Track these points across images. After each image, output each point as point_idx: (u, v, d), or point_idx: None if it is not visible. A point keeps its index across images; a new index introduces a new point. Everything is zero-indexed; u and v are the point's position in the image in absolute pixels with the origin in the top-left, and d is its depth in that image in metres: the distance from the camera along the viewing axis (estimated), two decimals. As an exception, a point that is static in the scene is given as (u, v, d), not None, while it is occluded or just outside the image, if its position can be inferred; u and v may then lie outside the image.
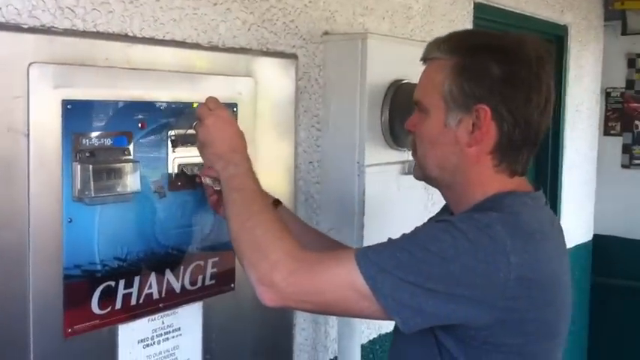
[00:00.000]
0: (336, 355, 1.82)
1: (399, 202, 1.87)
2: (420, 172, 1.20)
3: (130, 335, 1.26)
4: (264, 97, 1.52)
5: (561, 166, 3.19)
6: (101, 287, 1.19)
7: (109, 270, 1.20)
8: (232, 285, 1.46)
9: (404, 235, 1.09)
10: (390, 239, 1.10)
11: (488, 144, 1.11)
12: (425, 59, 1.18)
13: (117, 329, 1.23)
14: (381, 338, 2.02)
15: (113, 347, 1.23)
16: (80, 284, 1.16)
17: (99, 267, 1.19)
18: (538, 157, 3.17)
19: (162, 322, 1.32)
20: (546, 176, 3.18)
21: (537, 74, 1.10)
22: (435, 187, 1.22)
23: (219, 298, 1.43)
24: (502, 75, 1.08)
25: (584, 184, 3.55)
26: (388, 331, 2.05)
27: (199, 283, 1.38)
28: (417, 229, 1.12)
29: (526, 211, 1.10)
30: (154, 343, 1.30)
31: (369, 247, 1.10)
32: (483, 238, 1.03)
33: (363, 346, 1.84)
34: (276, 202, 1.37)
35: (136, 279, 1.25)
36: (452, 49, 1.13)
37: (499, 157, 1.12)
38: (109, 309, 1.21)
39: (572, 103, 3.25)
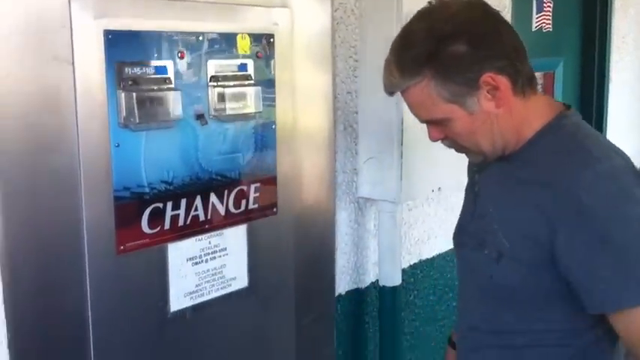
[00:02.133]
0: (377, 279, 1.89)
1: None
2: (479, 156, 1.24)
3: (179, 254, 1.34)
4: (300, 29, 1.56)
5: (607, 98, 3.15)
6: (150, 208, 1.27)
7: (156, 192, 1.28)
8: (275, 209, 1.53)
9: (619, 252, 1.10)
10: (612, 266, 1.10)
11: (508, 92, 1.16)
12: (394, 93, 1.21)
13: (166, 248, 1.32)
14: (422, 264, 2.08)
15: (164, 264, 1.32)
16: (130, 205, 1.25)
17: (147, 189, 1.27)
18: (583, 89, 3.13)
19: (209, 242, 1.40)
20: (591, 106, 3.14)
21: (484, 15, 1.16)
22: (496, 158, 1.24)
23: (263, 221, 1.51)
24: (470, 45, 1.11)
25: (630, 115, 3.49)
26: (429, 256, 2.11)
27: (243, 207, 1.45)
28: (611, 236, 1.10)
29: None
30: (202, 261, 1.39)
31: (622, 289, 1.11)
32: None
33: (403, 270, 1.90)
34: None
35: (183, 201, 1.33)
36: (414, 69, 1.14)
37: (521, 90, 1.18)
38: (158, 229, 1.29)
39: (617, 35, 3.17)
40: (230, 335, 1.47)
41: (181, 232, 1.34)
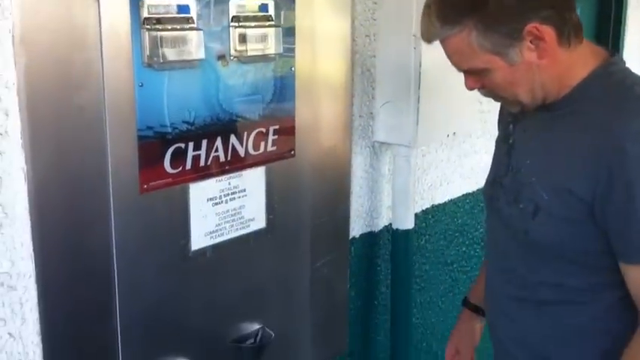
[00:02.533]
0: (391, 222, 1.91)
1: (455, 75, 1.89)
2: (517, 106, 1.21)
3: (200, 194, 1.36)
4: (320, -31, 1.54)
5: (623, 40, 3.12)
6: (172, 148, 1.29)
7: (178, 132, 1.29)
8: (292, 152, 1.54)
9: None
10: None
11: (553, 43, 1.13)
12: (432, 41, 1.18)
13: (188, 188, 1.33)
14: (434, 209, 2.11)
15: (185, 204, 1.34)
16: (153, 144, 1.26)
17: (169, 129, 1.28)
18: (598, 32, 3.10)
19: (229, 183, 1.41)
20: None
21: None
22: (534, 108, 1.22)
23: (281, 163, 1.52)
24: None
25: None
26: (441, 202, 2.13)
27: (262, 149, 1.46)
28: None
29: None
30: (221, 202, 1.40)
31: None
32: None
33: (415, 215, 1.93)
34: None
35: (204, 142, 1.34)
36: (455, 19, 1.11)
37: (567, 40, 1.15)
38: (180, 168, 1.31)
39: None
40: (247, 274, 1.50)
41: (202, 173, 1.35)
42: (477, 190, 2.30)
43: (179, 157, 1.30)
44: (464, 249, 2.31)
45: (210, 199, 1.38)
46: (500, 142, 1.36)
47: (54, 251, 1.17)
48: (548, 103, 1.19)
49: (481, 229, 2.37)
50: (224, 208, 1.41)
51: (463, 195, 2.23)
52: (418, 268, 2.06)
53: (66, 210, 1.16)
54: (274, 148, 1.49)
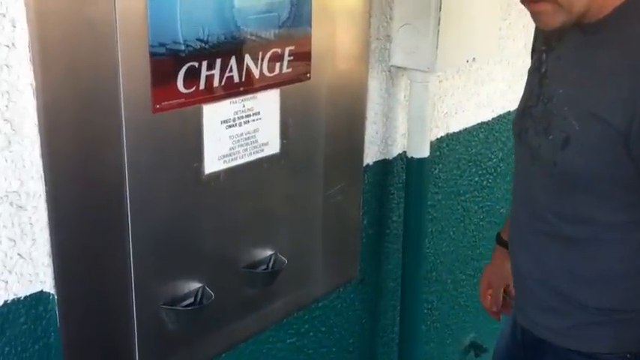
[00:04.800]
0: (405, 150, 1.87)
1: (475, -2, 1.82)
2: (557, 20, 1.12)
3: (214, 116, 1.31)
4: None
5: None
6: (185, 67, 1.23)
7: (192, 50, 1.23)
8: (308, 75, 1.48)
9: None
10: None
11: None
12: None
13: (201, 109, 1.28)
14: (448, 137, 2.06)
15: (198, 127, 1.29)
16: (166, 62, 1.20)
17: (182, 47, 1.22)
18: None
19: (243, 106, 1.36)
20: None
21: None
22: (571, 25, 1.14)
23: (296, 87, 1.46)
24: None
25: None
26: (456, 130, 2.09)
27: (277, 70, 1.41)
28: None
29: None
30: (235, 124, 1.36)
31: None
32: None
33: (431, 143, 1.88)
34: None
35: (218, 61, 1.28)
36: None
37: None
38: (193, 88, 1.26)
39: None
40: (260, 200, 1.47)
41: (216, 94, 1.30)
42: (492, 119, 2.25)
43: (192, 76, 1.25)
44: (476, 179, 2.27)
45: (224, 121, 1.34)
46: (532, 71, 1.30)
47: (64, 170, 1.13)
48: (586, 23, 1.13)
49: (495, 159, 2.34)
50: (238, 131, 1.37)
51: (478, 124, 2.18)
52: (431, 198, 2.03)
53: (77, 127, 1.12)
54: (289, 70, 1.44)
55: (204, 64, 1.26)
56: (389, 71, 1.76)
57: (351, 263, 1.80)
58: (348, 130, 1.67)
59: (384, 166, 1.84)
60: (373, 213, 1.86)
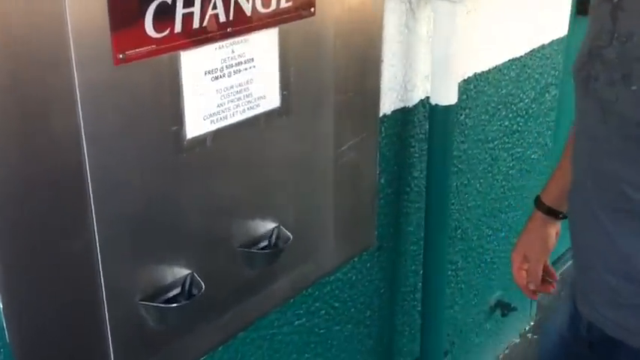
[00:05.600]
0: (428, 95, 1.60)
1: None
2: None
3: (195, 65, 1.04)
4: None
5: None
6: (155, 3, 0.96)
7: (162, -18, 0.96)
8: (312, 9, 1.21)
9: None
10: None
11: None
12: None
13: (178, 57, 1.02)
14: (476, 78, 1.78)
15: (175, 78, 1.02)
16: (128, -1, 0.93)
17: (149, -22, 0.95)
18: None
19: (232, 51, 1.10)
20: None
21: None
22: None
23: (297, 24, 1.19)
24: None
25: None
26: (484, 69, 1.81)
27: (274, 5, 1.13)
28: None
29: None
30: (223, 75, 1.09)
31: None
32: None
33: (457, 86, 1.61)
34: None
35: (197, -4, 1.01)
36: None
37: None
38: (167, 32, 0.99)
39: None
40: (257, 165, 1.22)
41: (197, 37, 1.03)
42: (525, 54, 1.96)
43: (165, 15, 0.98)
44: (506, 123, 2.00)
45: (209, 71, 1.07)
46: (600, 1, 1.01)
47: (2, 148, 0.87)
48: None
49: (527, 100, 2.06)
50: (227, 84, 1.10)
51: (509, 60, 1.90)
52: (456, 148, 1.77)
53: (14, 91, 0.86)
54: (289, 4, 1.16)
55: (180, -1, 0.99)
56: (409, 2, 1.48)
57: (367, 230, 1.56)
58: (361, 76, 1.39)
59: (403, 115, 1.58)
60: (391, 170, 1.60)
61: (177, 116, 1.04)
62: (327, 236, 1.43)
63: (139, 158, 1.01)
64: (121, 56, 0.94)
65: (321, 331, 1.53)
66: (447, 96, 1.54)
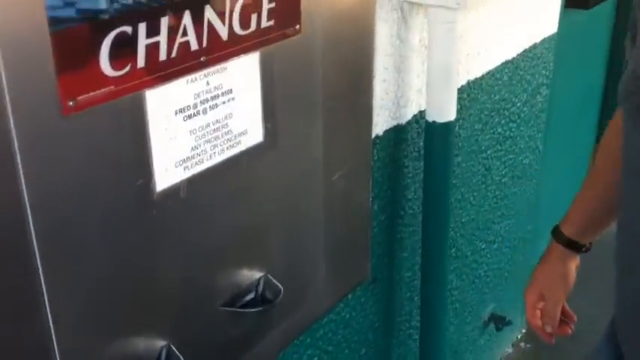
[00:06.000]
0: (420, 110, 1.44)
1: None
2: None
3: (164, 104, 0.87)
4: None
5: None
6: (112, 35, 0.78)
7: (120, 9, 0.78)
8: (297, 27, 1.03)
9: None
10: None
11: None
12: None
13: (143, 97, 0.84)
14: (469, 85, 1.63)
15: (140, 123, 0.84)
16: (77, 31, 0.75)
17: (104, 4, 0.76)
18: None
19: (207, 84, 0.92)
20: None
21: None
22: None
23: (281, 46, 1.02)
24: None
25: None
26: (478, 76, 1.66)
27: (253, 26, 0.95)
28: None
29: None
30: (197, 112, 0.92)
31: None
32: None
33: (454, 98, 1.45)
34: None
35: (163, 21, 0.83)
36: None
37: None
38: (127, 68, 0.80)
39: None
40: (240, 209, 1.04)
41: (165, 72, 0.85)
42: (517, 55, 1.82)
43: (125, 48, 0.80)
44: (499, 130, 1.86)
45: (181, 110, 0.89)
46: None
47: None
48: None
49: (519, 104, 1.92)
50: (202, 122, 0.93)
51: (502, 64, 1.75)
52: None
53: None
54: (271, 22, 0.98)
55: (142, 27, 0.81)
56: (401, 9, 1.31)
57: (361, 263, 1.40)
58: (352, 95, 1.23)
59: (396, 134, 1.42)
60: (384, 195, 1.45)
61: (143, 167, 0.86)
62: (319, 278, 1.27)
63: (98, 222, 0.83)
64: (70, 103, 0.76)
65: (315, 380, 1.38)
66: (446, 111, 1.38)
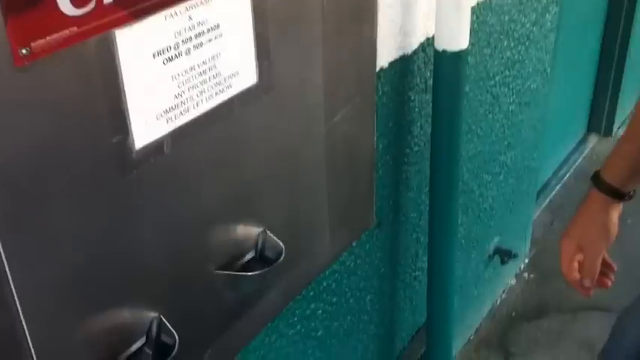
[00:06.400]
0: (428, 37, 1.30)
1: None
2: None
3: (138, 46, 0.73)
4: None
5: None
6: (68, -35, 0.63)
7: None
8: (291, -55, 0.88)
9: None
10: None
11: None
12: None
13: (113, 38, 0.70)
14: (480, 6, 1.48)
15: (111, 70, 0.71)
16: (25, -38, 0.60)
17: None
18: None
19: (190, 19, 0.77)
20: None
21: None
22: None
23: (273, -32, 0.87)
24: None
25: None
26: (490, -3, 1.50)
27: (241, -54, 0.80)
28: None
29: None
30: (179, 54, 0.78)
31: None
32: None
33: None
34: None
35: (132, -55, 0.68)
36: None
37: None
38: (91, 4, 0.66)
39: None
40: (236, 161, 0.92)
41: (137, 6, 0.71)
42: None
43: (87, -19, 0.65)
44: (508, 54, 1.72)
45: (159, 52, 0.75)
46: None
47: None
48: None
49: (528, 24, 1.77)
50: (186, 65, 0.79)
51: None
52: (458, 93, 1.48)
53: None
54: (262, -59, 0.83)
55: (107, -47, 0.66)
56: None
57: (365, 208, 1.29)
58: (355, 25, 1.08)
59: (402, 65, 1.28)
60: (389, 133, 1.32)
61: (118, 123, 0.73)
62: (322, 229, 1.16)
63: (69, 189, 0.71)
64: (23, 51, 0.62)
65: (319, 333, 1.28)
66: (457, 38, 1.24)
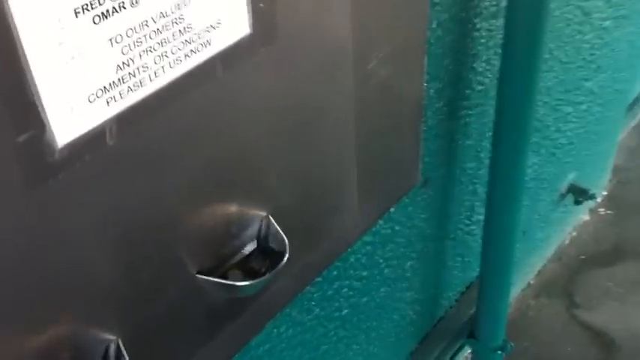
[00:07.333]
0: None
1: None
2: None
3: (48, 1, 0.49)
4: None
5: None
6: None
7: None
8: None
9: None
10: None
11: None
12: None
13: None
14: None
15: (5, 40, 0.47)
16: None
17: None
18: None
19: (132, -45, 0.52)
20: None
21: None
22: None
23: None
24: None
25: None
26: None
27: None
28: None
29: None
30: (120, 6, 0.53)
31: None
32: None
33: None
34: None
35: None
36: None
37: None
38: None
39: None
40: (217, 139, 0.69)
41: (38, -58, 0.46)
42: None
43: None
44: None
45: (85, 6, 0.51)
46: None
47: None
48: None
49: None
50: (131, 21, 0.55)
51: None
52: None
53: None
54: None
55: None
56: None
57: (409, 167, 1.04)
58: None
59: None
60: (444, 73, 1.05)
61: (24, 114, 0.51)
62: (351, 196, 0.93)
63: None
64: None
65: (343, 312, 1.08)
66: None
